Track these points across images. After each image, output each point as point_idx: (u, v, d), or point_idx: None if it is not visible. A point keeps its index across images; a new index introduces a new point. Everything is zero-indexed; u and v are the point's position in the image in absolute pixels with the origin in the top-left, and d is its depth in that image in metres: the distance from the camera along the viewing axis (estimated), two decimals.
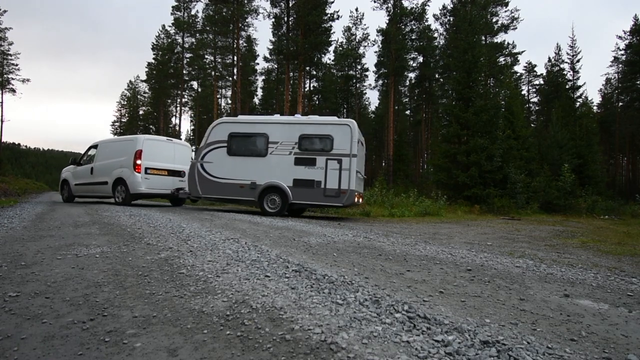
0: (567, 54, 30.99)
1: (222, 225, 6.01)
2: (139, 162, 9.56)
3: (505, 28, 31.23)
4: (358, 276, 2.89)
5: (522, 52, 33.38)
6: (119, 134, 59.31)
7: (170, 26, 40.20)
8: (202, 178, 8.84)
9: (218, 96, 42.11)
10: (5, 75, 34.63)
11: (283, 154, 8.54)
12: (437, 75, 35.91)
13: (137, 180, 9.55)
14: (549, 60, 36.30)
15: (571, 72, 30.46)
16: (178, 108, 46.46)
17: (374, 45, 36.69)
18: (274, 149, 8.60)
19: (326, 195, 8.24)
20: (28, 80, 35.57)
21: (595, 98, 49.80)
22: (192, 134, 58.02)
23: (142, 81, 49.94)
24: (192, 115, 54.02)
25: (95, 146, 10.86)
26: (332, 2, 26.86)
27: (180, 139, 11.09)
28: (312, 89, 41.31)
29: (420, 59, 35.44)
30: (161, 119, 44.43)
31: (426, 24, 33.26)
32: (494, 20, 31.11)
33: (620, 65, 37.22)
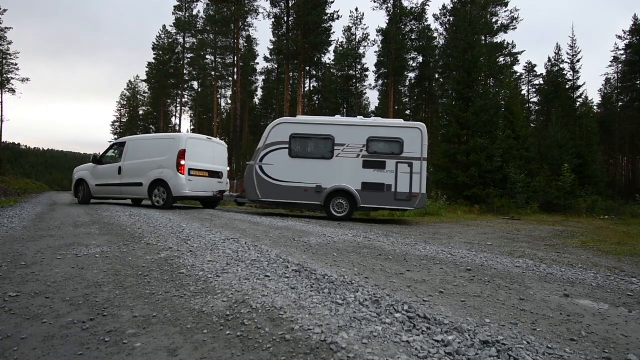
0: (567, 54, 31.01)
1: (222, 225, 6.01)
2: (182, 162, 8.89)
3: (505, 28, 31.25)
4: (358, 276, 2.89)
5: (522, 52, 33.39)
6: (119, 134, 59.30)
7: (171, 26, 40.23)
8: (262, 181, 8.39)
9: (218, 96, 42.10)
10: (5, 75, 34.62)
11: (350, 157, 8.34)
12: (437, 75, 35.91)
13: (181, 182, 8.84)
14: (549, 60, 36.29)
15: (571, 72, 30.49)
16: (178, 108, 46.49)
17: (374, 45, 36.69)
18: (340, 151, 8.36)
19: (397, 199, 8.18)
20: (28, 79, 35.53)
21: (595, 98, 49.80)
22: None
23: (142, 81, 49.97)
24: (192, 115, 54.04)
25: (121, 144, 10.02)
26: (332, 2, 26.86)
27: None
28: (312, 89, 41.32)
29: (420, 59, 35.44)
30: (161, 119, 44.44)
31: (426, 24, 33.25)
32: (494, 20, 31.12)
33: (620, 65, 37.22)
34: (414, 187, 8.17)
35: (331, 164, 8.36)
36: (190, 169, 8.99)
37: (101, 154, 10.27)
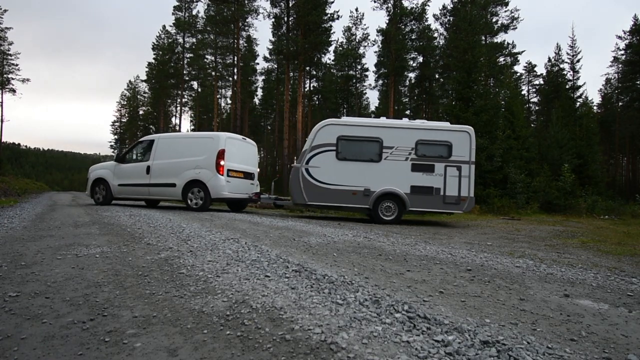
0: (567, 54, 31.03)
1: (222, 225, 6.01)
2: (222, 162, 8.57)
3: (505, 28, 31.26)
4: (358, 276, 2.89)
5: (522, 52, 33.36)
6: (120, 134, 59.29)
7: (171, 26, 40.25)
8: (308, 184, 8.20)
9: (218, 96, 42.10)
10: (5, 75, 34.64)
11: (399, 160, 8.28)
12: (437, 75, 35.91)
13: (221, 184, 8.52)
14: (549, 60, 36.32)
15: (571, 72, 30.51)
16: (178, 108, 46.52)
17: (374, 45, 36.68)
18: (388, 154, 8.28)
19: (446, 202, 8.23)
20: (28, 80, 35.58)
21: (595, 98, 49.82)
22: None
23: (142, 81, 50.02)
24: (192, 115, 54.04)
25: (148, 142, 9.54)
26: (332, 2, 26.87)
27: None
28: (312, 89, 41.33)
29: (420, 59, 35.44)
30: (161, 119, 44.46)
31: (426, 24, 33.25)
32: (494, 20, 31.12)
33: (620, 65, 37.23)
34: (463, 190, 8.23)
35: (379, 166, 8.27)
36: (228, 170, 8.72)
37: (123, 152, 9.86)
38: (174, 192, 8.86)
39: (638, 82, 33.60)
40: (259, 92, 48.02)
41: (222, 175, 8.55)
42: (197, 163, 8.70)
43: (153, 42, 42.06)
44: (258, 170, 10.16)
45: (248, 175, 9.50)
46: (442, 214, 9.50)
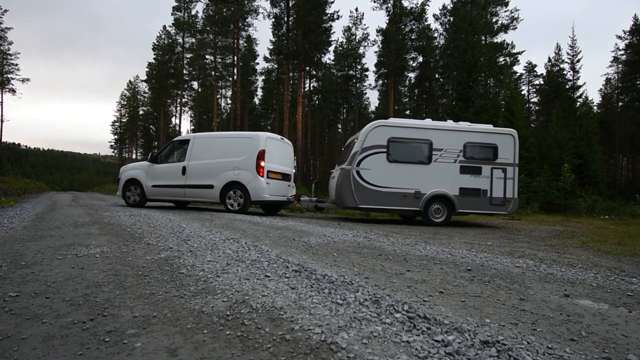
0: (567, 54, 31.02)
1: (222, 225, 6.01)
2: (262, 164, 8.29)
3: (505, 28, 31.26)
4: (358, 276, 2.89)
5: (522, 52, 33.39)
6: (120, 134, 59.30)
7: (170, 26, 40.25)
8: (359, 186, 8.03)
9: (218, 96, 42.10)
10: (5, 75, 34.65)
11: (448, 162, 8.33)
12: (437, 75, 35.92)
13: (261, 185, 8.24)
14: (549, 60, 36.32)
15: (571, 72, 30.50)
16: (178, 108, 46.52)
17: (374, 45, 36.71)
18: (438, 156, 8.31)
19: (492, 204, 8.39)
20: (28, 80, 35.60)
21: (595, 98, 49.83)
22: None
23: (142, 81, 50.04)
24: (192, 115, 54.04)
25: (183, 141, 9.21)
26: (332, 2, 26.88)
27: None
28: (312, 89, 41.35)
29: (420, 59, 35.45)
30: (161, 119, 44.46)
31: (426, 23, 33.25)
32: (494, 20, 31.13)
33: (620, 65, 37.24)
34: (508, 192, 8.43)
35: (429, 169, 8.27)
36: (267, 171, 8.45)
37: (157, 152, 9.49)
38: (211, 194, 8.55)
39: (638, 82, 33.60)
40: (259, 92, 48.02)
41: (263, 176, 8.29)
42: (236, 164, 8.42)
43: (153, 43, 42.09)
44: (294, 171, 9.88)
45: (286, 177, 9.21)
46: (489, 215, 9.70)
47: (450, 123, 8.86)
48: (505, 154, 8.49)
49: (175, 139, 9.61)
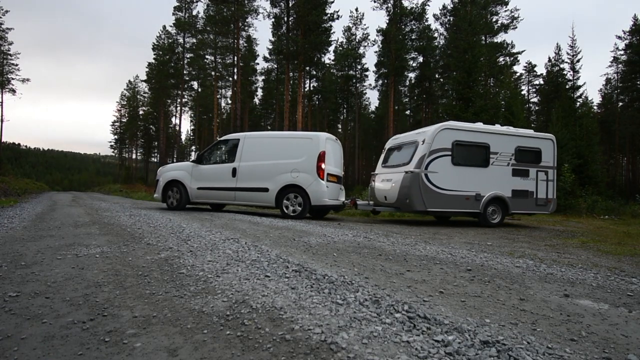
0: (567, 54, 30.96)
1: (222, 225, 6.01)
2: (323, 166, 7.90)
3: (505, 28, 31.27)
4: (358, 276, 2.89)
5: (522, 52, 33.44)
6: (120, 134, 59.28)
7: (171, 26, 40.27)
8: (428, 190, 7.96)
9: (218, 96, 42.09)
10: (5, 75, 34.66)
11: (502, 165, 8.66)
12: (437, 75, 35.92)
13: (322, 189, 7.86)
14: (549, 60, 36.31)
15: (571, 72, 30.46)
16: (178, 108, 46.52)
17: (374, 45, 36.73)
18: (494, 159, 8.60)
19: (537, 204, 8.94)
20: (28, 80, 35.63)
21: (595, 98, 49.85)
22: (192, 134, 58.13)
23: (142, 81, 50.05)
24: (192, 115, 54.06)
25: (232, 141, 8.65)
26: (332, 2, 26.89)
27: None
28: (312, 89, 41.34)
29: (420, 59, 35.47)
30: (161, 119, 44.47)
31: (426, 24, 33.29)
32: (494, 20, 31.13)
33: (620, 65, 37.24)
34: (549, 193, 9.08)
35: (487, 171, 8.53)
36: (326, 174, 8.05)
37: (202, 152, 8.92)
38: (265, 198, 8.07)
39: (638, 82, 33.62)
40: (259, 92, 48.03)
41: (323, 180, 7.90)
42: (295, 166, 7.96)
43: (153, 43, 42.11)
44: (343, 173, 9.50)
45: (339, 180, 8.86)
46: (533, 215, 10.18)
47: (503, 127, 9.27)
48: (547, 157, 9.11)
49: (221, 138, 8.91)
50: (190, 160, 8.96)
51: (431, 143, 8.02)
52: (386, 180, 8.78)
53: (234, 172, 8.27)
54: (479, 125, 9.03)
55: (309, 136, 8.31)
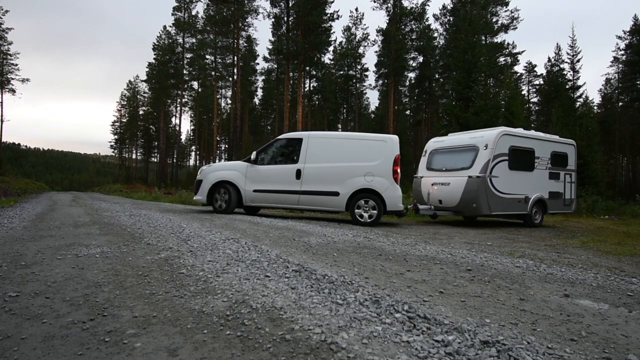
0: (567, 54, 30.95)
1: (222, 225, 6.01)
2: (398, 170, 7.65)
3: (505, 28, 31.27)
4: (358, 276, 2.89)
5: (522, 52, 33.41)
6: (120, 134, 59.27)
7: (171, 26, 40.27)
8: (491, 194, 8.16)
9: (218, 96, 42.11)
10: (5, 75, 34.67)
11: (542, 169, 9.24)
12: (437, 75, 35.92)
13: (398, 194, 7.56)
14: (549, 60, 36.36)
15: (571, 72, 30.45)
16: (178, 108, 46.53)
17: (373, 45, 36.72)
18: (537, 164, 9.12)
19: (565, 204, 9.80)
20: (28, 80, 35.64)
21: (595, 98, 49.83)
22: (192, 134, 58.14)
23: (142, 81, 50.06)
24: (192, 115, 54.06)
25: (295, 140, 8.01)
26: (332, 2, 26.88)
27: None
28: (312, 89, 41.34)
29: (420, 59, 35.46)
30: (161, 119, 44.46)
31: (426, 23, 33.27)
32: (494, 20, 31.13)
33: (620, 65, 37.24)
34: (573, 193, 10.00)
35: (532, 175, 9.04)
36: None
37: (257, 151, 8.07)
38: (335, 202, 7.56)
39: (638, 82, 33.61)
40: (259, 92, 48.04)
41: (398, 184, 7.62)
42: (369, 169, 7.53)
43: (153, 43, 42.11)
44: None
45: None
46: (560, 214, 10.97)
47: (541, 133, 10.00)
48: (571, 161, 9.97)
49: (280, 136, 8.28)
50: (243, 159, 8.22)
51: (494, 148, 8.25)
52: (441, 184, 8.72)
53: (299, 174, 7.67)
54: (526, 131, 9.58)
55: (383, 138, 7.91)
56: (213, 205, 8.06)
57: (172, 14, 38.67)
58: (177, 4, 38.43)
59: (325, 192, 7.60)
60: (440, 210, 8.74)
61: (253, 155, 7.89)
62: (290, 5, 26.47)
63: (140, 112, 54.75)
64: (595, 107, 36.66)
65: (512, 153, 8.56)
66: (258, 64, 42.72)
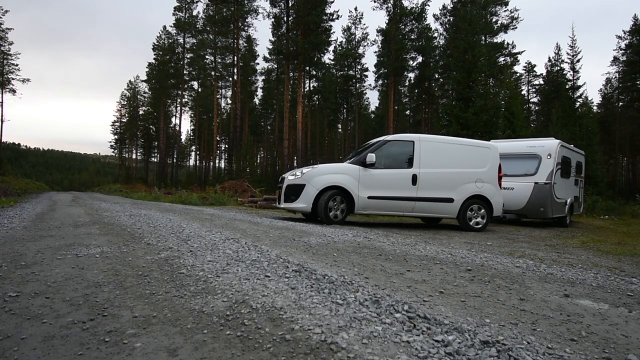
0: (567, 54, 30.98)
1: (222, 225, 6.01)
2: (502, 176, 7.84)
3: (505, 28, 31.29)
4: (358, 276, 2.89)
5: (522, 52, 33.44)
6: (120, 134, 59.27)
7: (171, 26, 40.28)
8: (553, 199, 9.16)
9: (218, 96, 42.10)
10: (5, 76, 34.68)
11: (573, 176, 10.55)
12: (437, 75, 35.91)
13: (502, 200, 7.76)
14: (549, 60, 36.36)
15: (571, 72, 30.47)
16: (178, 108, 46.54)
17: (373, 44, 36.72)
18: (571, 172, 10.40)
19: (578, 206, 11.26)
20: (28, 80, 35.65)
21: (595, 98, 49.84)
22: (192, 134, 58.13)
23: (142, 81, 50.08)
24: (192, 115, 54.07)
25: (407, 143, 7.48)
26: (332, 2, 26.89)
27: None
28: (312, 89, 41.35)
29: (420, 59, 35.44)
30: (161, 119, 44.47)
31: (426, 23, 33.26)
32: (493, 20, 31.13)
33: (620, 65, 37.24)
34: (581, 197, 11.66)
35: (569, 181, 10.27)
36: None
37: (365, 153, 7.34)
38: (449, 209, 7.41)
39: (638, 82, 33.61)
40: (259, 92, 48.05)
41: (500, 191, 7.82)
42: (479, 175, 7.54)
43: (153, 43, 42.13)
44: None
45: None
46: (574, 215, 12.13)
47: (572, 145, 11.06)
48: (584, 168, 11.69)
49: (390, 137, 7.66)
50: (348, 161, 7.49)
51: (556, 157, 9.25)
52: (503, 189, 8.83)
53: (415, 179, 7.24)
54: (565, 143, 10.50)
55: (487, 145, 7.99)
56: (323, 214, 6.99)
57: (173, 14, 38.69)
58: (178, 4, 38.44)
59: (441, 198, 7.33)
60: (510, 213, 9.56)
61: (370, 158, 7.09)
62: (290, 5, 26.47)
63: (140, 112, 54.75)
64: (595, 107, 36.67)
65: (563, 163, 9.70)
66: (258, 64, 42.75)
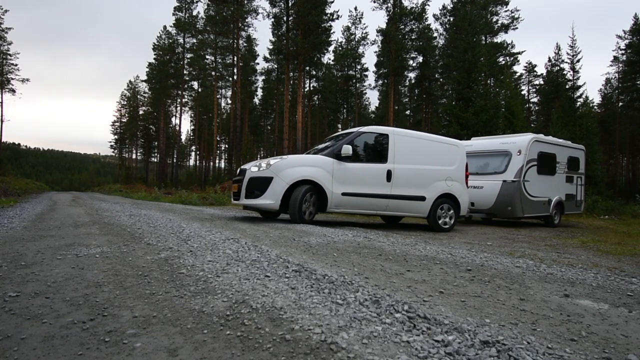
0: (567, 54, 30.97)
1: (222, 225, 6.01)
2: (469, 175, 7.66)
3: (505, 28, 31.28)
4: (358, 276, 2.89)
5: (522, 52, 33.49)
6: (120, 134, 59.26)
7: (171, 27, 40.28)
8: (524, 198, 8.77)
9: (218, 96, 42.10)
10: (5, 75, 34.68)
11: (561, 173, 9.96)
12: (437, 75, 35.91)
13: (468, 200, 7.58)
14: (549, 60, 36.37)
15: (571, 72, 30.46)
16: (178, 108, 46.55)
17: (373, 44, 36.72)
18: (557, 168, 9.82)
19: (576, 205, 10.62)
20: (28, 80, 35.66)
21: (596, 98, 49.85)
22: (192, 134, 58.13)
23: (142, 81, 50.08)
24: (192, 115, 54.07)
25: (382, 136, 6.93)
26: (332, 2, 26.89)
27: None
28: (312, 89, 41.35)
29: (420, 59, 35.45)
30: (161, 119, 44.47)
31: (426, 23, 33.26)
32: (494, 20, 31.13)
33: (620, 65, 37.25)
34: (582, 195, 10.90)
35: (554, 179, 9.71)
36: None
37: (339, 144, 6.61)
38: (420, 208, 6.97)
39: (638, 82, 33.61)
40: (259, 92, 48.05)
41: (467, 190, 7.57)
42: (449, 174, 7.22)
43: (153, 43, 42.13)
44: None
45: None
46: (572, 215, 11.83)
47: (560, 140, 10.58)
48: (582, 165, 10.71)
49: (364, 129, 6.96)
50: (322, 153, 6.67)
51: (527, 154, 8.76)
52: (473, 187, 8.87)
53: (389, 175, 6.69)
54: (549, 137, 10.06)
55: (455, 143, 7.76)
56: (297, 213, 6.29)
57: (173, 14, 38.69)
58: (178, 4, 38.44)
59: (413, 196, 6.90)
60: (474, 212, 9.20)
61: (345, 150, 6.34)
62: (290, 5, 26.47)
63: (140, 112, 54.76)
64: (595, 107, 36.65)
65: (540, 158, 9.12)
66: (258, 64, 42.75)
